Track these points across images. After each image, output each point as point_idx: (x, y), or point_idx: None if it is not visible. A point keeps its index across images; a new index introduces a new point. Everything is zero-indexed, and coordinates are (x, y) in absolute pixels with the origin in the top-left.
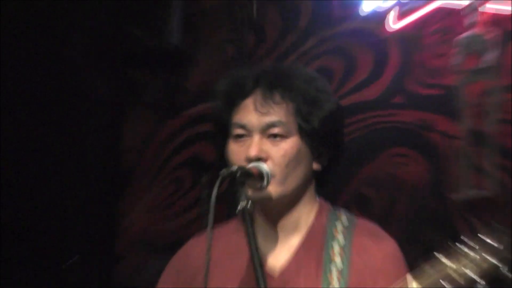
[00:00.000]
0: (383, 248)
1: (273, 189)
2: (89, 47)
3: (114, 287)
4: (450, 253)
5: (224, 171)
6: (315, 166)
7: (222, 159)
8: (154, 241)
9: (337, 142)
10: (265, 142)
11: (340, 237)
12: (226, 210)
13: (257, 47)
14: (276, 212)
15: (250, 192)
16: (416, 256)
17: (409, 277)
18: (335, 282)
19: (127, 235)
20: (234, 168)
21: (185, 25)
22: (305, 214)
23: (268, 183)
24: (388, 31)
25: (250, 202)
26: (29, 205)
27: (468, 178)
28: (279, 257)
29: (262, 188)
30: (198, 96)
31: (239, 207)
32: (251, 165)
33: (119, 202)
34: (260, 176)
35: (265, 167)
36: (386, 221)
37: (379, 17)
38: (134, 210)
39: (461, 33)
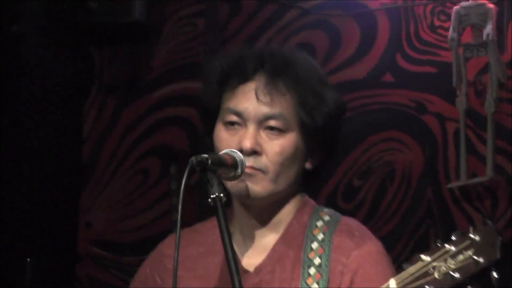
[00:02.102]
0: (364, 249)
1: (264, 186)
2: (39, 22)
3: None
4: (435, 253)
5: (193, 159)
6: (307, 165)
7: (204, 143)
8: (119, 238)
9: (334, 141)
10: (260, 135)
11: (319, 236)
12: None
13: (231, 20)
14: (259, 209)
15: (231, 186)
16: (411, 251)
17: (392, 283)
18: (312, 283)
19: (89, 232)
20: (205, 156)
21: None
22: (288, 212)
23: (242, 172)
24: (376, 2)
25: (222, 194)
26: None
27: (465, 164)
28: (255, 254)
29: (235, 178)
30: (165, 76)
31: (210, 200)
32: (224, 152)
33: (80, 196)
34: (233, 164)
35: (239, 154)
36: (376, 213)
37: None
38: (96, 205)
39: (459, 2)
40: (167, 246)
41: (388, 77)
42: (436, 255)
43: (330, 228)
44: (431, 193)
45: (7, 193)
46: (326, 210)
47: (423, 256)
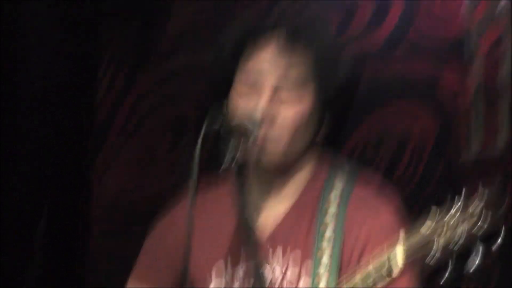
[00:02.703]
0: (377, 221)
1: (276, 154)
2: None
3: (88, 257)
4: (444, 212)
5: (206, 128)
6: (321, 133)
7: (216, 114)
8: (131, 208)
9: (347, 108)
10: (275, 102)
11: (333, 207)
12: (210, 172)
13: None
14: (271, 177)
15: (244, 153)
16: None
17: (401, 234)
18: (326, 246)
19: (99, 201)
20: (218, 125)
21: None
22: (301, 180)
23: (255, 140)
24: None
25: (234, 162)
26: None
27: (479, 137)
28: (267, 223)
29: (248, 146)
30: (179, 45)
31: (222, 167)
32: (237, 122)
33: (91, 167)
34: (246, 133)
35: (252, 124)
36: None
37: None
38: (106, 176)
39: None
40: (180, 210)
41: (401, 50)
42: (445, 214)
43: (343, 198)
44: (443, 166)
45: (19, 161)
46: (340, 176)
47: (431, 215)
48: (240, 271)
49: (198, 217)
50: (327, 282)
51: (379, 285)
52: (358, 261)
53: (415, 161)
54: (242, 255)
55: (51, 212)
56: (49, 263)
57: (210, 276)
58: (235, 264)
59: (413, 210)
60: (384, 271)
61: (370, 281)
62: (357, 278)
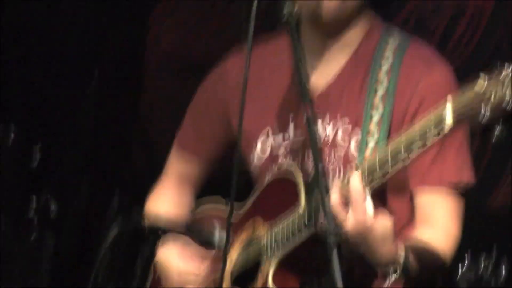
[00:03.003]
0: (434, 74)
1: (331, 8)
2: None
3: (139, 113)
4: (494, 76)
5: None
6: None
7: None
8: (185, 61)
9: None
10: None
11: (390, 57)
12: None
13: None
14: (328, 28)
15: (301, 8)
16: None
17: (449, 97)
18: (378, 103)
19: (155, 55)
20: None
21: None
22: (357, 32)
23: None
24: None
25: (293, 14)
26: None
27: None
28: (324, 74)
29: (305, 1)
30: None
31: (280, 22)
32: None
33: (148, 17)
34: None
35: None
36: (443, 50)
37: None
38: (164, 28)
39: None
40: (231, 64)
41: None
42: (495, 77)
43: (401, 49)
44: (502, 31)
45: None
46: (396, 32)
47: (481, 79)
48: (290, 132)
49: (252, 71)
50: (378, 139)
51: (429, 142)
52: (412, 119)
53: (470, 33)
54: (290, 119)
55: (108, 59)
56: (103, 107)
57: (259, 136)
58: (283, 128)
59: (466, 80)
60: (433, 128)
61: (419, 138)
62: (408, 134)
